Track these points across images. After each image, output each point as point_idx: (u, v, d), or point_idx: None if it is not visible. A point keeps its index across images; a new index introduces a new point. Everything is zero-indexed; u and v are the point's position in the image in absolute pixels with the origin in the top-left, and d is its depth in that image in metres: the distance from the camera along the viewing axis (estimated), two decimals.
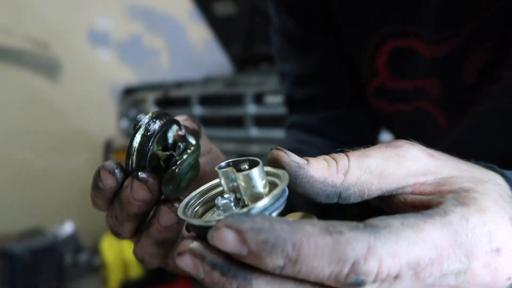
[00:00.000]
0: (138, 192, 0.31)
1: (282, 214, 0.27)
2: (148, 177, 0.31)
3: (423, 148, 0.29)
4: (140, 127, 0.32)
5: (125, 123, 2.22)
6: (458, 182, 0.26)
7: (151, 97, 2.10)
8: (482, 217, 0.24)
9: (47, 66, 2.57)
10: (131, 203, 0.32)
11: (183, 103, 1.98)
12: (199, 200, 0.31)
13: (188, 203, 0.30)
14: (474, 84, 0.50)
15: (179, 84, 2.11)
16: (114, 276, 2.16)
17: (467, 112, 0.51)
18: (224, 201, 0.28)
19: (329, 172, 0.27)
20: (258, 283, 0.22)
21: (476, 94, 0.50)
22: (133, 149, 0.32)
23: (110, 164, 0.32)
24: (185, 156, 0.33)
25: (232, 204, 0.28)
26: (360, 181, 0.27)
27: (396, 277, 0.22)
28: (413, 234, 0.22)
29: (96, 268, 2.26)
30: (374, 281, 0.22)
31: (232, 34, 2.47)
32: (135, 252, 0.35)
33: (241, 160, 0.29)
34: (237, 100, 1.76)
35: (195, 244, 0.24)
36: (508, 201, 0.26)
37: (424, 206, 0.26)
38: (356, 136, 0.69)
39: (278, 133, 1.62)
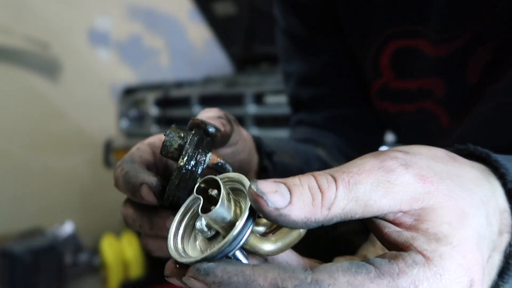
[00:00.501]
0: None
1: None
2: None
3: (416, 170, 0.28)
4: (185, 167, 0.33)
5: (125, 123, 2.22)
6: (438, 221, 0.26)
7: (151, 97, 2.10)
8: (435, 284, 0.24)
9: (47, 66, 2.57)
10: (161, 229, 0.36)
11: (183, 103, 1.98)
12: (182, 225, 0.33)
13: (175, 233, 0.32)
14: (477, 83, 0.50)
15: (179, 84, 2.11)
16: (114, 276, 2.16)
17: (470, 112, 0.52)
18: (200, 228, 0.31)
19: (313, 209, 0.27)
20: None
21: (479, 94, 0.50)
22: (176, 184, 0.33)
23: (155, 185, 0.35)
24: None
25: (206, 230, 0.31)
26: (345, 211, 0.27)
27: None
28: (371, 285, 0.24)
29: (96, 268, 2.26)
30: None
31: (232, 34, 2.47)
32: (144, 243, 0.40)
33: (207, 185, 0.31)
34: (237, 100, 1.76)
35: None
36: (484, 244, 0.26)
37: (396, 245, 0.27)
38: (362, 134, 0.70)
39: (278, 133, 1.62)
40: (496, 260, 0.28)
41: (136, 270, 2.20)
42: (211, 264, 0.27)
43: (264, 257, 0.30)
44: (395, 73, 0.57)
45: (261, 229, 0.30)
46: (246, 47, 2.42)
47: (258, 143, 0.48)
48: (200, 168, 0.34)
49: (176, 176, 0.34)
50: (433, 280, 0.24)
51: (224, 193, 0.29)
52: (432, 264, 0.25)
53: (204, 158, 0.35)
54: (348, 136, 0.69)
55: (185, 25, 3.20)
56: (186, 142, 0.35)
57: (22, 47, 2.47)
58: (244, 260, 0.29)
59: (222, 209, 0.29)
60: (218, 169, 0.37)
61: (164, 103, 2.05)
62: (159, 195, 0.35)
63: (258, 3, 2.23)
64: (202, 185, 0.31)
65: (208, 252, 0.28)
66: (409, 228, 0.27)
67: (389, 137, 0.79)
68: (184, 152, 0.34)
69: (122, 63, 2.91)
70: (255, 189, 0.27)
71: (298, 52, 0.69)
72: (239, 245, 0.28)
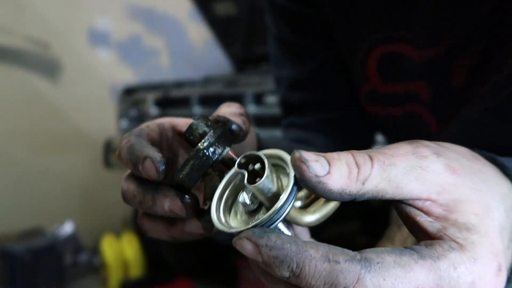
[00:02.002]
0: (175, 209, 0.37)
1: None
2: (190, 203, 0.37)
3: (447, 161, 0.30)
4: (203, 150, 0.34)
5: (125, 123, 2.22)
6: (466, 212, 0.28)
7: (151, 97, 2.10)
8: (470, 267, 0.27)
9: (47, 66, 2.57)
10: (164, 209, 0.37)
11: (183, 103, 1.98)
12: (223, 200, 0.34)
13: (217, 207, 0.33)
14: (462, 87, 0.51)
15: (179, 84, 2.11)
16: (114, 276, 2.16)
17: (456, 115, 0.52)
18: (243, 201, 0.32)
19: (349, 181, 0.29)
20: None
21: (464, 97, 0.51)
22: (189, 168, 0.34)
23: (158, 160, 0.36)
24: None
25: (250, 203, 0.32)
26: (377, 189, 0.29)
27: None
28: (401, 273, 0.26)
29: (96, 268, 2.26)
30: None
31: (232, 34, 2.47)
32: (139, 223, 0.41)
33: (248, 161, 0.32)
34: (237, 100, 1.76)
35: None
36: (505, 234, 0.29)
37: (427, 234, 0.29)
38: (353, 138, 0.70)
39: (278, 133, 1.62)
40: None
41: (136, 270, 2.20)
42: (266, 229, 0.28)
43: (304, 226, 0.31)
44: (382, 78, 0.58)
45: (297, 203, 0.32)
46: (246, 47, 2.42)
47: (258, 139, 0.50)
48: (216, 157, 0.36)
49: (192, 156, 0.35)
50: (468, 263, 0.27)
51: (269, 165, 0.30)
52: (466, 250, 0.27)
53: (221, 150, 0.36)
54: (338, 139, 0.70)
55: (185, 25, 3.19)
56: (210, 131, 0.36)
57: (22, 47, 2.47)
58: (287, 232, 0.30)
59: (268, 180, 0.30)
60: (231, 165, 0.38)
61: (164, 103, 2.05)
62: (161, 172, 0.36)
63: (258, 3, 2.23)
64: (243, 161, 0.32)
65: (257, 221, 0.29)
66: (439, 218, 0.29)
67: (379, 139, 0.79)
68: (206, 138, 0.36)
69: (122, 63, 2.91)
70: (298, 155, 0.29)
71: (288, 58, 0.70)
72: (285, 213, 0.29)
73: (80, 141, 2.67)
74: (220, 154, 0.36)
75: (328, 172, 0.28)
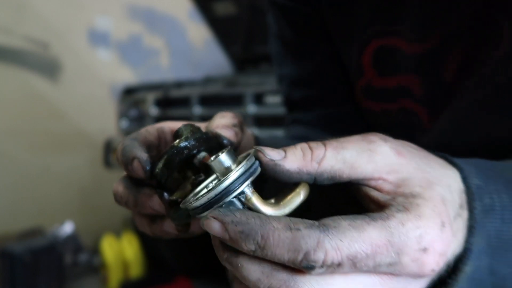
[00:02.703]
0: (154, 206, 0.40)
1: (260, 181, 0.33)
2: (168, 200, 0.39)
3: (393, 145, 0.34)
4: (178, 145, 0.36)
5: (125, 123, 2.22)
6: (411, 185, 0.32)
7: (151, 97, 2.10)
8: (417, 222, 0.30)
9: (47, 66, 2.57)
10: (144, 206, 0.40)
11: (183, 103, 1.98)
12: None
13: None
14: (454, 81, 0.52)
15: (179, 84, 2.11)
16: (114, 276, 2.16)
17: (447, 109, 0.54)
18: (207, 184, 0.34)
19: (304, 162, 0.32)
20: (244, 258, 0.30)
21: (456, 91, 0.52)
22: (166, 159, 0.36)
23: (145, 160, 0.39)
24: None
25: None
26: (333, 169, 0.33)
27: (338, 265, 0.29)
28: (356, 234, 0.29)
29: (96, 268, 2.26)
30: (321, 266, 0.29)
31: (232, 34, 2.47)
32: (134, 219, 0.45)
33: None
34: (237, 100, 1.76)
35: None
36: (448, 204, 0.32)
37: (379, 204, 0.32)
38: (353, 133, 0.71)
39: (278, 133, 1.62)
40: (461, 227, 0.33)
41: (136, 270, 2.20)
42: (231, 207, 0.31)
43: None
44: (376, 72, 0.60)
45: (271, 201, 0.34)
46: (246, 47, 2.43)
47: (256, 141, 0.51)
48: (185, 154, 0.37)
49: (165, 152, 0.37)
50: (414, 220, 0.30)
51: (232, 152, 0.33)
52: (412, 210, 0.30)
53: (195, 150, 0.38)
54: (339, 135, 0.71)
55: (185, 25, 3.20)
56: (190, 135, 0.38)
57: (22, 47, 2.47)
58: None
59: (227, 156, 0.32)
60: (203, 168, 0.39)
61: (164, 103, 2.06)
62: (148, 170, 0.39)
63: (258, 3, 2.23)
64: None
65: (208, 189, 0.31)
66: (388, 192, 0.32)
67: None
68: (183, 138, 0.38)
69: (122, 63, 2.91)
70: (256, 147, 0.33)
71: (289, 56, 0.72)
72: (238, 187, 0.31)
73: (80, 141, 2.67)
74: (190, 153, 0.37)
75: (284, 157, 0.32)
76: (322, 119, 0.72)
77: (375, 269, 0.30)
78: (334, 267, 0.29)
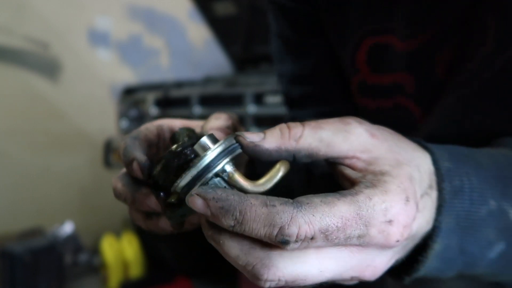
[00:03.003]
0: (151, 205, 0.42)
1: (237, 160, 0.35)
2: (164, 199, 0.40)
3: (367, 127, 0.36)
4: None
5: (125, 123, 2.22)
6: (381, 164, 0.35)
7: (151, 97, 2.10)
8: (383, 197, 0.32)
9: (47, 66, 2.57)
10: (142, 205, 0.42)
11: (183, 103, 1.98)
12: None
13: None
14: (445, 77, 0.53)
15: (179, 84, 2.11)
16: (114, 276, 2.17)
17: (438, 105, 0.55)
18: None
19: (282, 140, 0.35)
20: (225, 235, 0.33)
21: (446, 87, 0.53)
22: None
23: (143, 162, 0.42)
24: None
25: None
26: (311, 146, 0.35)
27: (312, 238, 0.31)
28: (327, 209, 0.31)
29: (96, 268, 2.26)
30: (296, 241, 0.31)
31: (232, 34, 2.47)
32: (129, 213, 0.47)
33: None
34: (237, 100, 1.76)
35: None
36: (415, 182, 0.34)
37: (351, 181, 0.35)
38: None
39: None
40: (428, 205, 0.35)
41: (136, 270, 2.20)
42: (213, 186, 0.34)
43: (247, 191, 0.35)
44: (371, 69, 0.61)
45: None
46: (246, 47, 2.43)
47: None
48: (185, 158, 0.39)
49: (163, 156, 0.39)
50: (381, 194, 0.32)
51: (213, 137, 0.36)
52: (380, 185, 0.33)
53: (193, 156, 0.39)
54: None
55: (185, 25, 3.20)
56: (187, 140, 0.41)
57: (22, 47, 2.47)
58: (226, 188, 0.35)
59: (210, 139, 0.35)
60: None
61: (164, 103, 2.06)
62: (146, 172, 0.41)
63: (258, 3, 2.23)
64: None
65: (191, 170, 0.33)
66: (360, 170, 0.35)
67: None
68: (180, 143, 0.39)
69: (122, 63, 2.91)
70: (237, 133, 0.35)
71: (289, 54, 0.73)
72: (218, 164, 0.34)
73: (80, 141, 2.67)
74: (186, 158, 0.39)
75: (263, 138, 0.35)
76: (320, 117, 0.72)
77: (346, 242, 0.32)
78: (308, 241, 0.31)
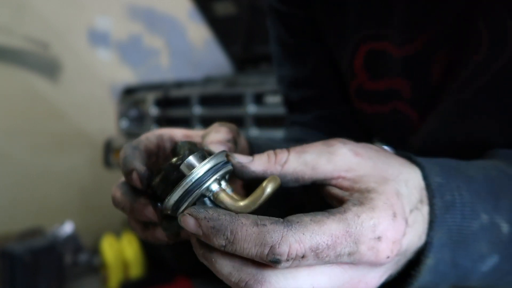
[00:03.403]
0: (149, 215, 0.42)
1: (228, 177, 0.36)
2: (161, 209, 0.41)
3: (352, 147, 0.37)
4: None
5: (125, 123, 2.22)
6: (367, 181, 0.35)
7: (151, 97, 2.10)
8: (370, 214, 0.32)
9: (47, 66, 2.57)
10: (140, 214, 0.42)
11: (183, 103, 1.98)
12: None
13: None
14: (440, 83, 0.53)
15: (179, 84, 2.10)
16: (114, 276, 2.16)
17: (434, 110, 0.55)
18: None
19: (268, 165, 0.37)
20: (217, 254, 0.33)
21: (441, 93, 0.54)
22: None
23: (142, 173, 0.42)
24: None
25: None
26: (295, 171, 0.36)
27: (302, 257, 0.31)
28: (317, 227, 0.31)
29: (96, 268, 2.26)
30: (287, 260, 0.31)
31: (232, 34, 2.47)
32: (128, 222, 0.48)
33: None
34: (237, 100, 1.76)
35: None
36: (403, 197, 0.34)
37: (339, 200, 0.36)
38: (350, 135, 0.73)
39: (278, 133, 1.62)
40: (419, 220, 0.35)
41: (136, 270, 2.20)
42: (205, 205, 0.35)
43: (232, 210, 0.35)
44: (368, 74, 0.61)
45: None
46: (246, 47, 2.43)
47: (251, 149, 0.53)
48: (184, 172, 0.39)
49: (162, 168, 0.39)
50: (368, 212, 0.32)
51: (200, 154, 0.36)
52: (366, 203, 0.33)
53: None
54: (335, 135, 0.73)
55: (185, 25, 3.20)
56: (188, 153, 0.40)
57: (22, 47, 2.47)
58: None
59: (195, 158, 0.36)
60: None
61: (164, 103, 2.06)
62: (145, 182, 0.42)
63: (258, 3, 2.23)
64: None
65: (178, 188, 0.34)
66: (347, 188, 0.35)
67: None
68: (180, 156, 0.39)
69: (122, 63, 2.91)
70: (227, 152, 0.37)
71: (287, 58, 0.74)
72: (205, 182, 0.34)
73: (80, 141, 2.67)
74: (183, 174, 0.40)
75: (251, 161, 0.37)
76: (319, 120, 0.74)
77: (337, 259, 0.32)
78: (299, 260, 0.31)
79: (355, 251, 0.32)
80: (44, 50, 2.55)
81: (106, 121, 2.61)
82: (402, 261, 0.36)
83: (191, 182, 0.34)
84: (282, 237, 0.30)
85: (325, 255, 0.31)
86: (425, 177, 0.37)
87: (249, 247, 0.31)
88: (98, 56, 2.79)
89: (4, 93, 2.39)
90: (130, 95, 2.22)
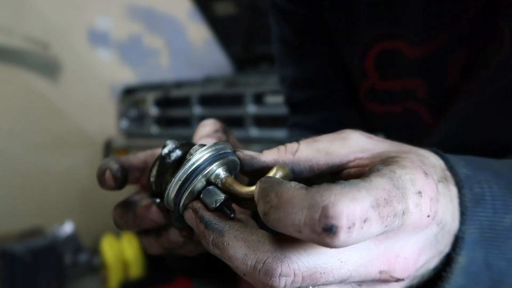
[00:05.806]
0: (153, 216, 0.39)
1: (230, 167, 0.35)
2: (163, 206, 0.39)
3: (362, 132, 0.36)
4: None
5: (125, 123, 2.22)
6: (386, 154, 0.33)
7: (151, 97, 2.10)
8: (403, 170, 0.29)
9: (47, 66, 2.57)
10: (144, 220, 0.39)
11: (183, 103, 1.98)
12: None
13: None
14: (457, 83, 0.52)
15: (179, 84, 2.10)
16: (114, 276, 2.16)
17: (450, 110, 0.54)
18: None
19: (279, 154, 0.35)
20: (229, 236, 0.30)
21: (458, 93, 0.52)
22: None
23: (115, 169, 0.40)
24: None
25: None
26: (309, 158, 0.35)
27: (365, 220, 0.25)
28: (367, 184, 0.27)
29: (96, 268, 2.26)
30: (349, 227, 0.24)
31: (232, 34, 2.47)
32: (141, 244, 0.45)
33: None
34: (237, 100, 1.76)
35: (196, 204, 0.34)
36: (427, 163, 0.32)
37: (361, 175, 0.32)
38: None
39: (278, 133, 1.62)
40: (447, 195, 0.32)
41: (136, 270, 2.20)
42: (209, 211, 0.33)
43: (242, 196, 0.33)
44: (380, 74, 0.60)
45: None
46: (246, 47, 2.43)
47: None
48: (176, 156, 0.39)
49: (154, 162, 0.39)
50: (400, 169, 0.29)
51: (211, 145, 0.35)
52: (395, 163, 0.30)
53: (182, 152, 0.39)
54: None
55: (185, 25, 3.20)
56: (175, 145, 0.40)
57: (22, 47, 2.47)
58: (221, 194, 0.33)
59: (201, 149, 0.34)
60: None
61: (164, 103, 2.06)
62: (119, 180, 0.40)
63: (258, 3, 2.23)
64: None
65: (178, 174, 0.33)
66: (367, 164, 0.34)
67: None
68: (168, 147, 0.39)
69: (122, 63, 2.91)
70: (235, 149, 0.36)
71: (290, 58, 0.72)
72: (203, 168, 0.33)
73: (80, 141, 2.67)
74: (178, 156, 0.39)
75: (261, 153, 0.36)
76: (323, 122, 0.72)
77: (393, 222, 0.27)
78: (361, 226, 0.25)
79: (406, 208, 0.28)
80: (44, 50, 2.55)
81: (106, 121, 2.61)
82: (439, 237, 0.31)
83: (193, 166, 0.33)
84: (335, 195, 0.25)
85: (385, 214, 0.26)
86: (451, 168, 0.34)
87: (296, 212, 0.25)
88: (98, 56, 2.79)
89: (4, 93, 2.39)
90: (130, 95, 2.22)
